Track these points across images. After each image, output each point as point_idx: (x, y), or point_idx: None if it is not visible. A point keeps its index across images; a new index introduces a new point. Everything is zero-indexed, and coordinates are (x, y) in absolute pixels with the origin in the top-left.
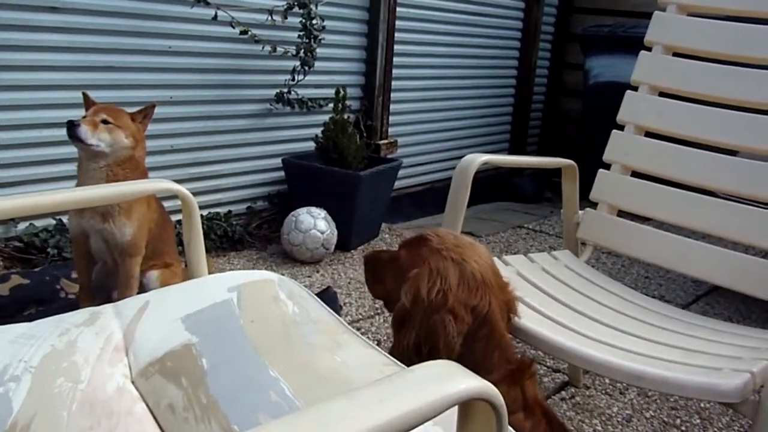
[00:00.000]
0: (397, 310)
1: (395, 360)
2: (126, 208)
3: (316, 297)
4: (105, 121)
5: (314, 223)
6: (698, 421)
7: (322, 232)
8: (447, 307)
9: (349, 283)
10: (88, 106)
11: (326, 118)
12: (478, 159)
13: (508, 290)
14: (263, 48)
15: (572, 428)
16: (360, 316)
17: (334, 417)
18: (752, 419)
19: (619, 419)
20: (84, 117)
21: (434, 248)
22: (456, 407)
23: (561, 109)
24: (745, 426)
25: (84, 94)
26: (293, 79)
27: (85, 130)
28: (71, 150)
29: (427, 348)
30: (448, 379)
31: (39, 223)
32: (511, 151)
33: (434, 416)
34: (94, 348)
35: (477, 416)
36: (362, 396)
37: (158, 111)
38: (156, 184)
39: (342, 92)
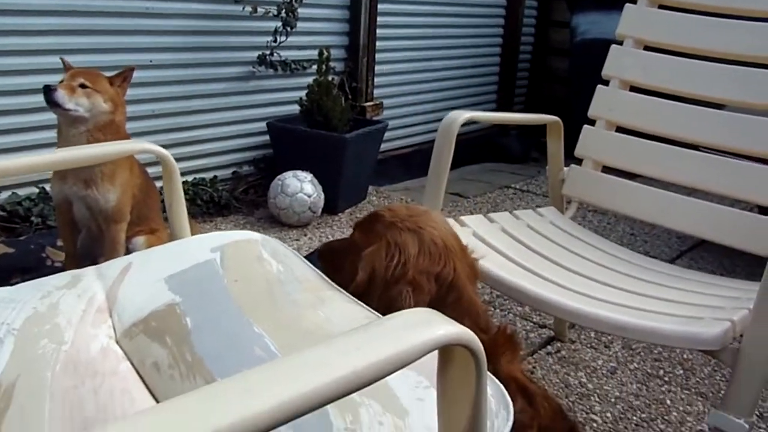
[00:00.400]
0: (352, 290)
1: (379, 315)
2: (109, 174)
3: (299, 255)
4: (83, 86)
5: (301, 186)
6: (681, 371)
7: (309, 196)
8: (407, 278)
9: None
10: (67, 71)
11: (310, 80)
12: (461, 116)
13: (468, 254)
14: (244, 8)
15: (558, 381)
16: None
17: (312, 364)
18: (732, 367)
19: (604, 371)
20: (61, 82)
21: (389, 222)
22: (437, 355)
23: (548, 67)
24: (727, 376)
25: (62, 59)
26: (275, 41)
27: (62, 95)
28: (51, 117)
29: None
30: (426, 326)
31: (22, 192)
32: (498, 111)
33: (412, 361)
34: (77, 310)
35: (456, 362)
36: (340, 343)
37: (138, 75)
38: (133, 144)
39: (325, 53)
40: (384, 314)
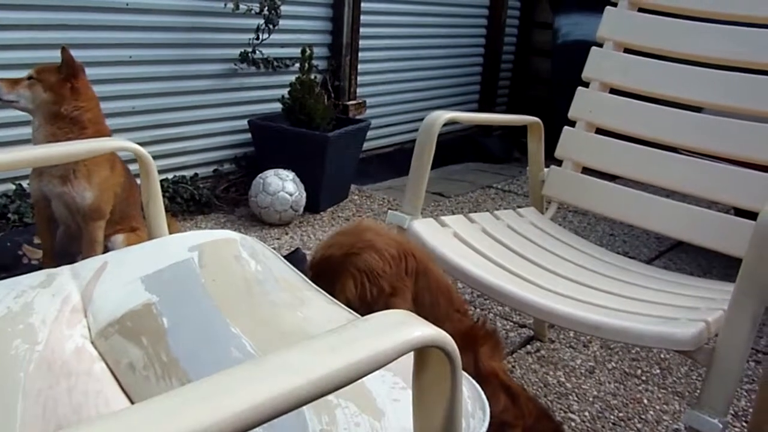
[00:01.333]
0: None
1: (358, 315)
2: (84, 172)
3: (279, 255)
4: (30, 77)
5: (282, 185)
6: (658, 371)
7: (291, 194)
8: (386, 293)
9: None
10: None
11: (293, 78)
12: (443, 116)
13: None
14: (226, 5)
15: (537, 380)
16: None
17: (287, 366)
18: (707, 366)
19: (583, 371)
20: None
21: (341, 256)
22: (413, 357)
23: (530, 69)
24: (703, 375)
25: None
26: (257, 38)
27: None
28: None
29: None
30: (401, 328)
31: None
32: (480, 111)
33: (387, 363)
34: (51, 310)
35: (431, 363)
36: (315, 345)
37: (118, 71)
38: (108, 142)
39: (308, 51)
40: None
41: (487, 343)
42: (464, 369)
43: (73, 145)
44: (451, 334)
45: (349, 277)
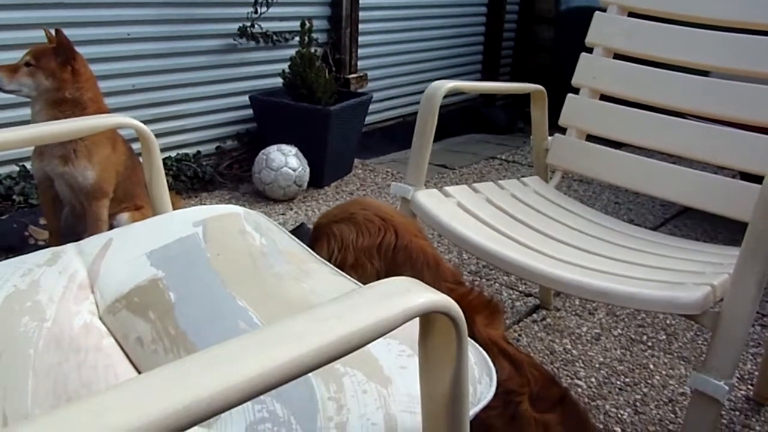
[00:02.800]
0: None
1: (363, 286)
2: (85, 151)
3: (283, 228)
4: (28, 64)
5: (285, 160)
6: (664, 336)
7: (294, 170)
8: (348, 263)
9: None
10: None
11: (293, 52)
12: (444, 86)
13: (408, 216)
14: None
15: (543, 348)
16: None
17: (293, 333)
18: (712, 330)
19: (588, 338)
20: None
21: (325, 223)
22: (418, 324)
23: (534, 37)
24: (708, 340)
25: (45, 30)
26: (256, 12)
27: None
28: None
29: None
30: (406, 294)
31: (2, 170)
32: (483, 81)
33: (391, 329)
34: (58, 287)
35: (437, 329)
36: (320, 312)
37: (116, 49)
38: (108, 119)
39: (308, 24)
40: None
41: (483, 311)
42: None
43: (74, 123)
44: None
45: (324, 242)
